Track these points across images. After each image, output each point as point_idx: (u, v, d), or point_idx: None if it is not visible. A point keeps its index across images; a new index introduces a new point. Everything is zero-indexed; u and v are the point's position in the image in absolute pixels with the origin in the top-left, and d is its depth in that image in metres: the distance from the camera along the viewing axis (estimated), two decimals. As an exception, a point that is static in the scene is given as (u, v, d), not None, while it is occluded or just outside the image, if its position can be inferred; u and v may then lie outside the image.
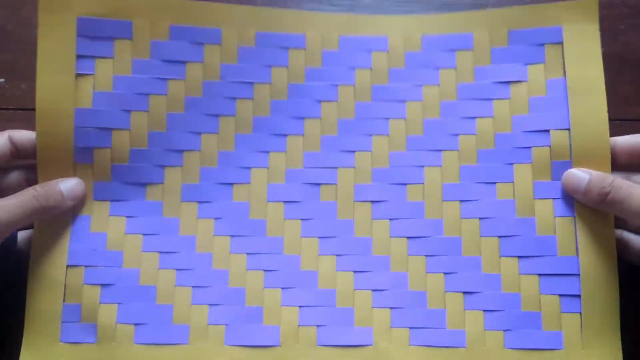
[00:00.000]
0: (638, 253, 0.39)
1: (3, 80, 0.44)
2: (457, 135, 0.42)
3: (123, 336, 0.39)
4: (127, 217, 0.41)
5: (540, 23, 0.42)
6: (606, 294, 0.39)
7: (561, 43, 0.42)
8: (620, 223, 0.40)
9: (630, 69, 0.45)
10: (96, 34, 0.41)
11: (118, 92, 0.41)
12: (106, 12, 0.42)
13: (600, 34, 0.42)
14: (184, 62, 0.42)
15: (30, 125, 0.40)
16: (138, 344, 0.39)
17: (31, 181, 0.40)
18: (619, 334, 0.38)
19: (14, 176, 0.41)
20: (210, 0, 0.43)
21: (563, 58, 0.41)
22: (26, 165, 0.41)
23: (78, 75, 0.41)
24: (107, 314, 0.40)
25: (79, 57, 0.41)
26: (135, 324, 0.40)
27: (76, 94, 0.41)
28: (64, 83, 0.40)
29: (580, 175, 0.39)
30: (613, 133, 0.40)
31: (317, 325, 0.40)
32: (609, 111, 0.40)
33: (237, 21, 0.43)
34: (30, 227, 0.41)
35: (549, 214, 0.40)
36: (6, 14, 0.46)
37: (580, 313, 0.39)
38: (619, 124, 0.44)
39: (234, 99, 0.42)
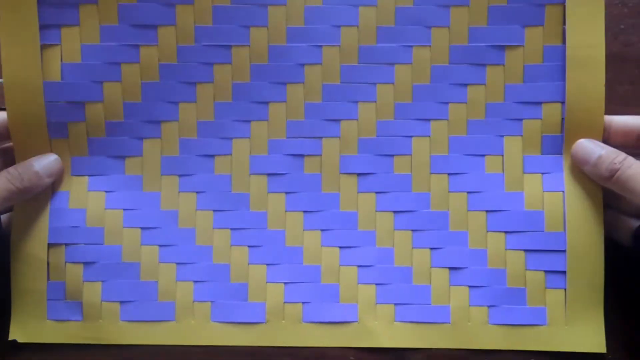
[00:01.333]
0: (629, 235, 0.38)
1: (3, 80, 0.43)
2: (447, 103, 0.40)
3: (109, 314, 0.40)
4: (107, 192, 0.40)
5: None
6: (592, 271, 0.39)
7: (563, 4, 0.39)
8: (614, 203, 0.40)
9: (630, 69, 0.44)
10: (59, 0, 0.39)
11: (87, 63, 0.39)
12: None
13: None
14: (155, 26, 0.40)
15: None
16: (124, 321, 0.40)
17: (9, 164, 0.39)
18: (602, 311, 0.39)
19: None
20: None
21: (564, 22, 0.39)
22: (3, 148, 0.40)
23: (44, 46, 0.39)
24: (92, 292, 0.40)
25: (42, 26, 0.39)
26: (121, 302, 0.40)
27: (44, 66, 0.39)
28: (30, 55, 0.39)
29: (592, 147, 0.38)
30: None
31: (303, 302, 0.40)
32: (609, 111, 0.39)
33: None
34: (10, 209, 0.40)
35: (537, 188, 0.39)
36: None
37: (565, 289, 0.39)
38: (618, 123, 0.43)
39: (211, 64, 0.40)
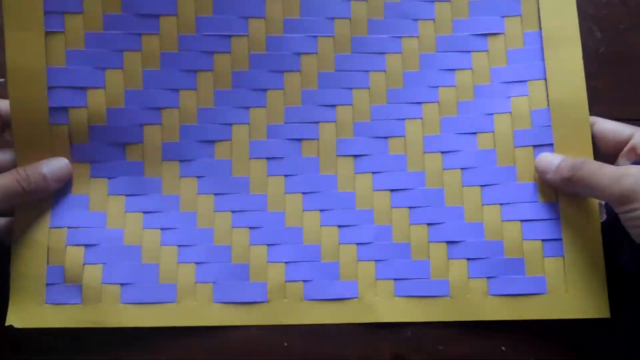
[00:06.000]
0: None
1: (3, 80, 0.45)
2: (436, 87, 0.43)
3: (109, 296, 0.41)
4: (109, 178, 0.42)
5: None
6: (588, 237, 0.41)
7: None
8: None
9: (630, 69, 0.46)
10: None
11: (91, 50, 0.42)
12: None
13: (600, 34, 0.43)
14: (157, 16, 0.42)
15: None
16: (125, 303, 0.41)
17: None
18: (604, 277, 0.40)
19: (6, 155, 0.41)
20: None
21: (538, 10, 0.43)
22: None
23: (48, 32, 0.41)
24: (92, 274, 0.41)
25: (47, 13, 0.41)
26: (121, 284, 0.41)
27: (48, 52, 0.41)
28: (33, 41, 0.41)
29: (553, 156, 0.41)
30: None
31: (304, 281, 0.41)
32: (609, 111, 0.42)
33: None
34: (10, 214, 0.41)
35: (529, 161, 0.42)
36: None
37: (563, 257, 0.41)
38: (618, 124, 0.45)
39: (211, 53, 0.43)
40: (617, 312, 0.40)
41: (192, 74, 0.43)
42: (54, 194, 0.41)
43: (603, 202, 0.41)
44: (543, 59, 0.42)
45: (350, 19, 0.44)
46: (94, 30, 0.42)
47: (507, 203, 0.42)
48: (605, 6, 0.42)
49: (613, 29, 0.46)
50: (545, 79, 0.42)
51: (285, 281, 0.41)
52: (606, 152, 0.41)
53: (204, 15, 0.43)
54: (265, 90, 0.43)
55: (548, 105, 0.42)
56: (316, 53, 0.43)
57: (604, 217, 0.41)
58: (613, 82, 0.43)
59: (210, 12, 0.43)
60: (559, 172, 0.40)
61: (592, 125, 0.42)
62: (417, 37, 0.44)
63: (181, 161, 0.42)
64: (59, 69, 0.41)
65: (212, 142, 0.43)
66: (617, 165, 0.40)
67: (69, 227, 0.41)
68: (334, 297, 0.41)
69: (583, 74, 0.42)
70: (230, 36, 0.43)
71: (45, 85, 0.41)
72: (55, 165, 0.40)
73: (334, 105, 0.43)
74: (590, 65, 0.42)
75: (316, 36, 0.43)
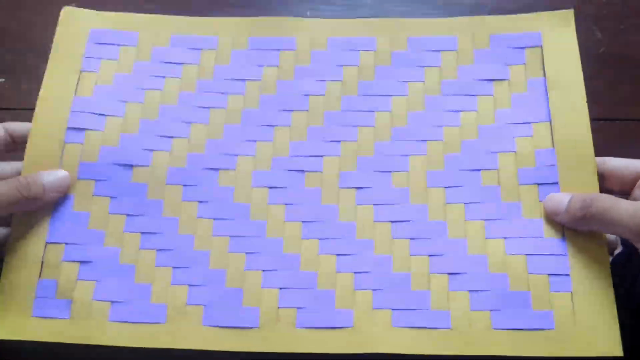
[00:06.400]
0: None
1: (3, 80, 0.47)
2: (441, 126, 0.44)
3: (98, 313, 0.40)
4: (112, 197, 0.43)
5: (520, 29, 0.46)
6: (597, 272, 0.39)
7: (540, 47, 0.45)
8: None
9: (630, 69, 0.47)
10: (105, 41, 0.47)
11: (117, 87, 0.45)
12: (117, 27, 0.47)
13: (600, 34, 0.44)
14: (181, 64, 0.47)
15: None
16: (113, 321, 0.39)
17: None
18: (615, 312, 0.38)
19: (11, 166, 0.43)
20: (209, 16, 0.48)
21: (542, 60, 0.44)
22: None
23: (83, 72, 0.46)
24: (84, 290, 0.40)
25: (86, 57, 0.46)
26: (112, 302, 0.40)
27: (79, 85, 0.45)
28: (68, 75, 0.45)
29: (561, 196, 0.40)
30: (613, 133, 0.42)
31: (298, 308, 0.40)
32: (609, 111, 0.42)
33: (233, 30, 0.48)
34: (7, 223, 0.42)
35: (534, 198, 0.41)
36: (6, 14, 0.49)
37: (571, 292, 0.38)
38: (619, 124, 0.45)
39: (226, 94, 0.46)
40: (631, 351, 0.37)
41: (205, 110, 0.45)
42: (54, 208, 0.42)
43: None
44: (547, 103, 0.43)
45: (358, 66, 0.46)
46: (123, 72, 0.46)
47: (512, 237, 0.40)
48: (605, 6, 0.43)
49: (613, 29, 0.46)
50: (550, 122, 0.42)
51: (279, 307, 0.40)
52: (621, 188, 0.40)
53: (223, 64, 0.46)
54: (272, 126, 0.45)
55: (553, 145, 0.42)
56: (324, 95, 0.45)
57: (620, 248, 0.39)
58: (613, 82, 0.43)
59: (228, 62, 0.47)
60: (570, 211, 0.39)
61: (602, 164, 0.41)
62: (423, 82, 0.45)
63: (184, 185, 0.43)
64: (84, 98, 0.45)
65: (216, 170, 0.43)
66: (632, 196, 0.39)
67: (66, 244, 0.41)
68: (328, 326, 0.39)
69: (587, 115, 0.42)
70: (245, 80, 0.46)
71: (70, 109, 0.44)
72: (54, 176, 0.41)
73: (338, 141, 0.44)
74: (590, 65, 0.42)
75: (324, 80, 0.46)
